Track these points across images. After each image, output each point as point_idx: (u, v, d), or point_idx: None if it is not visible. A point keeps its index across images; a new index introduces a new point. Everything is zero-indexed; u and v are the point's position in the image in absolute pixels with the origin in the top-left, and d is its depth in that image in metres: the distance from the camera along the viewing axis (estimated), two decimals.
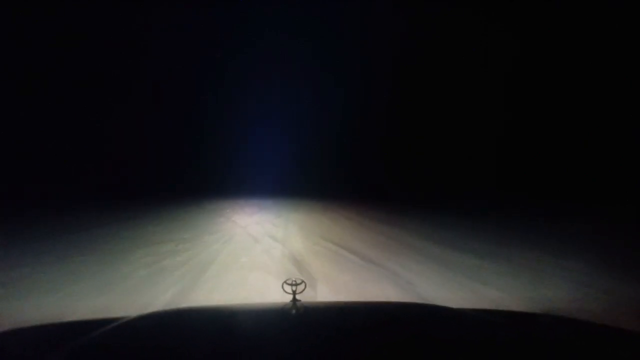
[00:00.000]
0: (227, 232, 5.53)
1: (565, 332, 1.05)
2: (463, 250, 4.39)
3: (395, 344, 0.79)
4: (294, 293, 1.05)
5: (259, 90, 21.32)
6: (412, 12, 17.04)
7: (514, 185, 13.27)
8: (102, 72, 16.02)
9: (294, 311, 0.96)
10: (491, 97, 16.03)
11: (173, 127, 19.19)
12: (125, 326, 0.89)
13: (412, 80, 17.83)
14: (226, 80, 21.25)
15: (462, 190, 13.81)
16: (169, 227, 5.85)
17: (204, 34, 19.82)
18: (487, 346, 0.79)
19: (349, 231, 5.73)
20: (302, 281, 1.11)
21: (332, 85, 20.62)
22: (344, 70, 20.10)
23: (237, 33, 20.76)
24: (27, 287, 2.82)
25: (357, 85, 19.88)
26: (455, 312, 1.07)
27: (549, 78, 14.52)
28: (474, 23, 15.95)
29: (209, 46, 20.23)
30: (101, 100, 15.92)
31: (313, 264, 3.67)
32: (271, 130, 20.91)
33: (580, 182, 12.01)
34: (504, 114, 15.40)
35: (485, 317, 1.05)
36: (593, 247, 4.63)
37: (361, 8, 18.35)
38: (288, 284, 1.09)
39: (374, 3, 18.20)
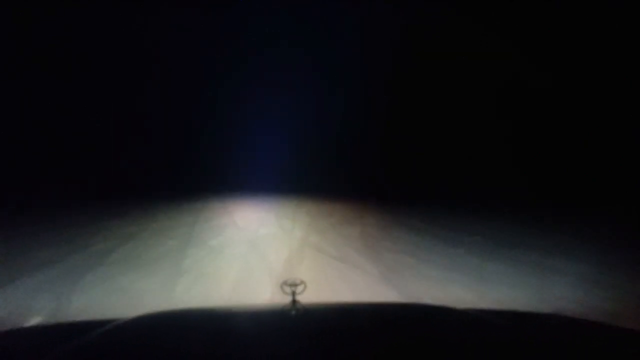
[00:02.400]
0: None
1: (567, 332, 1.04)
2: None
3: (396, 345, 0.79)
4: (294, 294, 1.04)
5: (258, 90, 21.26)
6: (414, 12, 17.00)
7: (517, 184, 13.20)
8: (102, 71, 16.02)
9: (293, 312, 0.96)
10: (491, 98, 16.00)
11: (172, 127, 19.16)
12: (124, 326, 0.89)
13: (412, 80, 17.78)
14: (225, 80, 21.22)
15: (461, 189, 13.76)
16: None
17: (204, 34, 19.79)
18: (488, 347, 0.79)
19: None
20: (302, 282, 1.11)
21: (333, 85, 20.54)
22: (344, 70, 20.03)
23: (237, 33, 20.72)
24: None
25: (358, 85, 19.81)
26: (457, 313, 1.07)
27: (549, 78, 14.48)
28: (474, 23, 15.91)
29: (209, 46, 20.19)
30: (101, 100, 15.93)
31: None
32: (271, 130, 20.84)
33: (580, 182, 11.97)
34: (504, 114, 15.36)
35: (486, 318, 1.05)
36: None
37: (362, 8, 18.29)
38: (287, 285, 1.07)
39: (376, 3, 18.15)
